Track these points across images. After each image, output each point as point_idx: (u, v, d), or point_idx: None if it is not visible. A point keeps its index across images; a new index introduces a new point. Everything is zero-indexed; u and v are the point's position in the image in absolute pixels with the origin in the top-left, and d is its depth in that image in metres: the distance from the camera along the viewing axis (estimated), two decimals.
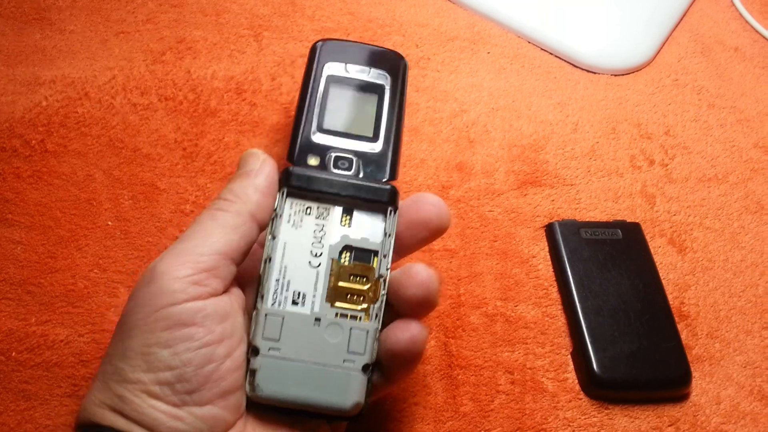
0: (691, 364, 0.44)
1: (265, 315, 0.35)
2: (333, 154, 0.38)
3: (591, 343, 0.44)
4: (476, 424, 0.43)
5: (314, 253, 0.36)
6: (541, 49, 0.62)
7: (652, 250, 0.50)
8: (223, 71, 0.57)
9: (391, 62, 0.42)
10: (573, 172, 0.54)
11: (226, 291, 0.34)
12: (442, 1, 0.65)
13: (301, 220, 0.37)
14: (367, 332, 0.35)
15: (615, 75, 0.61)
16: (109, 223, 0.49)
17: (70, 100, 0.54)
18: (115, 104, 0.54)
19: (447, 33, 0.62)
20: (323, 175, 0.37)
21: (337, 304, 0.36)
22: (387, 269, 0.36)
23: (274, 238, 0.36)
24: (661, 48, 0.63)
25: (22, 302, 0.46)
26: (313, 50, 0.42)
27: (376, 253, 0.36)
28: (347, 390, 0.34)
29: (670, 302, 0.47)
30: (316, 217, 0.37)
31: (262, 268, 0.36)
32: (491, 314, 0.47)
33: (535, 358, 0.45)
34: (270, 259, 0.36)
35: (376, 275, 0.36)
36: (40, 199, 0.50)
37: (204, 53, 0.58)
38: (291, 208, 0.37)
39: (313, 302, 0.36)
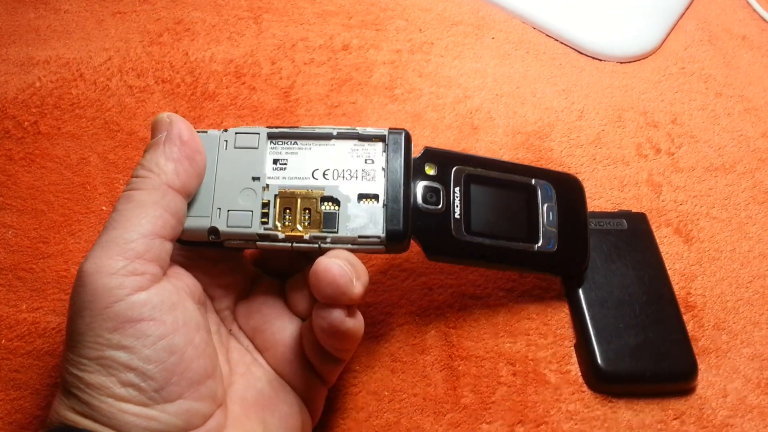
0: (697, 356, 0.43)
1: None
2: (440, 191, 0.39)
3: (595, 335, 0.43)
4: (477, 416, 0.42)
5: (327, 170, 0.37)
6: (546, 35, 0.61)
7: (658, 240, 0.48)
8: (221, 54, 0.56)
9: None
10: (578, 160, 0.53)
11: (166, 273, 0.33)
12: None
13: (358, 154, 0.37)
14: (249, 226, 0.35)
15: (621, 62, 0.60)
16: (104, 208, 0.48)
17: (64, 81, 0.53)
18: (110, 86, 0.53)
19: (451, 18, 0.61)
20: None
21: (278, 201, 0.36)
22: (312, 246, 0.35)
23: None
24: (668, 36, 0.62)
25: (13, 288, 0.45)
26: None
27: (335, 230, 0.36)
28: (200, 222, 0.35)
29: (676, 293, 0.46)
30: (365, 161, 0.37)
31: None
32: (493, 305, 0.46)
33: (538, 350, 0.44)
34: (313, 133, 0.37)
35: (308, 237, 0.35)
36: (33, 182, 0.48)
37: (202, 35, 0.57)
38: (376, 152, 0.37)
39: (277, 177, 0.36)
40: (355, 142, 0.37)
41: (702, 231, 0.50)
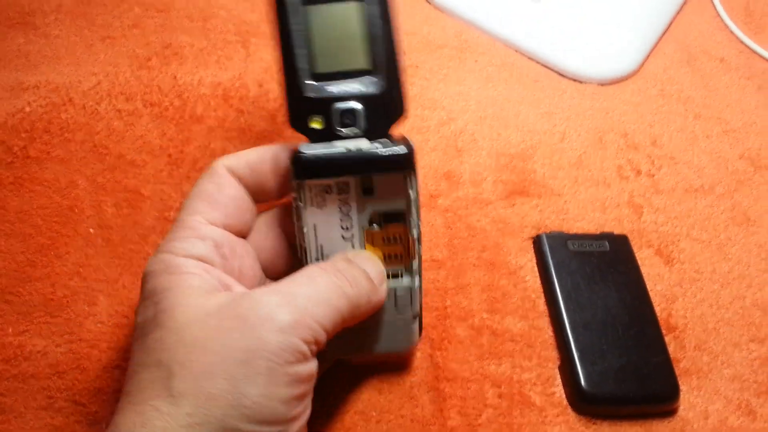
0: (678, 378, 0.44)
1: None
2: (336, 107, 0.35)
3: (578, 357, 0.44)
4: None
5: (344, 227, 0.36)
6: (528, 57, 0.62)
7: (639, 261, 0.49)
8: (210, 77, 0.57)
9: None
10: (560, 182, 0.54)
11: None
12: (431, 9, 0.64)
13: (324, 200, 0.36)
14: (411, 290, 0.37)
15: (602, 84, 0.61)
16: (91, 230, 0.48)
17: (54, 106, 0.53)
18: (99, 110, 0.54)
19: (435, 41, 0.62)
20: (333, 154, 0.34)
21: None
22: (418, 227, 0.36)
23: (303, 226, 0.36)
24: (648, 58, 0.63)
25: (0, 312, 0.45)
26: None
27: (402, 213, 0.36)
28: (404, 338, 0.39)
29: (658, 314, 0.47)
30: (338, 193, 0.36)
31: (300, 252, 0.36)
32: (478, 326, 0.46)
33: (522, 372, 0.45)
34: (304, 248, 0.36)
35: (410, 235, 0.36)
36: (21, 206, 0.49)
37: (191, 59, 0.58)
38: (311, 191, 0.36)
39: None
40: None
41: (682, 252, 0.51)
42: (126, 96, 0.55)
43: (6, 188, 0.49)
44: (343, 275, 0.34)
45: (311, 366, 0.31)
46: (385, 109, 0.36)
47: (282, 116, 0.55)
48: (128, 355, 0.43)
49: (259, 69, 0.58)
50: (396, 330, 0.38)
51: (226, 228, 0.36)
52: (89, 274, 0.46)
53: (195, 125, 0.54)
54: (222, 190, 0.36)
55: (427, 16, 0.64)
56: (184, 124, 0.54)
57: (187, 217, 0.35)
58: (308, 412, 0.32)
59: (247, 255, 0.37)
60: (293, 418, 0.30)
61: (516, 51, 0.62)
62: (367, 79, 0.36)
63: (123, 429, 0.28)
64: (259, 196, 0.38)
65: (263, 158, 0.37)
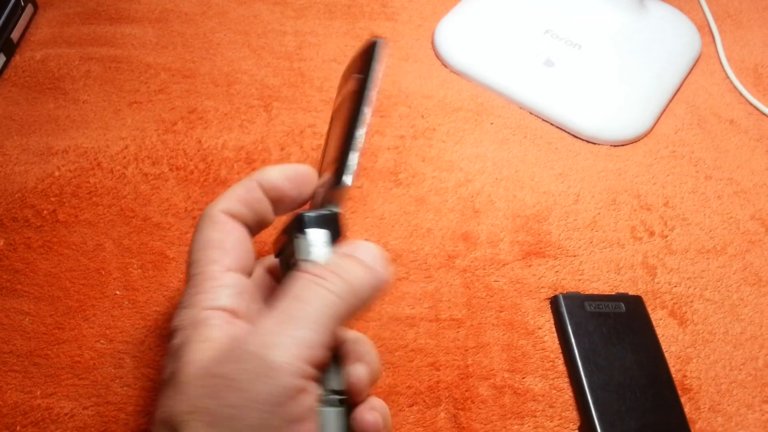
0: None
1: None
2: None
3: (598, 419, 0.44)
4: None
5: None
6: (543, 119, 0.64)
7: (654, 323, 0.50)
8: (233, 141, 0.58)
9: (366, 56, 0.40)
10: (575, 243, 0.55)
11: None
12: (447, 72, 0.67)
13: None
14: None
15: (614, 146, 0.62)
16: (117, 292, 0.50)
17: (82, 170, 0.55)
18: (126, 174, 0.55)
19: (452, 104, 0.64)
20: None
21: None
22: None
23: None
24: (659, 119, 0.65)
25: (28, 374, 0.46)
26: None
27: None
28: None
29: (673, 375, 0.48)
30: None
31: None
32: (499, 386, 0.47)
33: None
34: None
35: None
36: (50, 269, 0.50)
37: (215, 123, 0.60)
38: None
39: None
40: None
41: (696, 313, 0.52)
42: (152, 160, 0.56)
43: (35, 252, 0.51)
44: (334, 276, 0.32)
45: (309, 399, 0.31)
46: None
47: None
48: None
49: (280, 132, 0.60)
50: None
51: (241, 272, 0.36)
52: (115, 336, 0.48)
53: (219, 188, 0.55)
54: (228, 236, 0.36)
55: (444, 80, 0.66)
56: (208, 187, 0.55)
57: (206, 268, 0.35)
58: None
59: (260, 298, 0.38)
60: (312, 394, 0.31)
61: (530, 113, 0.64)
62: None
63: None
64: (258, 227, 0.38)
65: (250, 188, 0.37)
